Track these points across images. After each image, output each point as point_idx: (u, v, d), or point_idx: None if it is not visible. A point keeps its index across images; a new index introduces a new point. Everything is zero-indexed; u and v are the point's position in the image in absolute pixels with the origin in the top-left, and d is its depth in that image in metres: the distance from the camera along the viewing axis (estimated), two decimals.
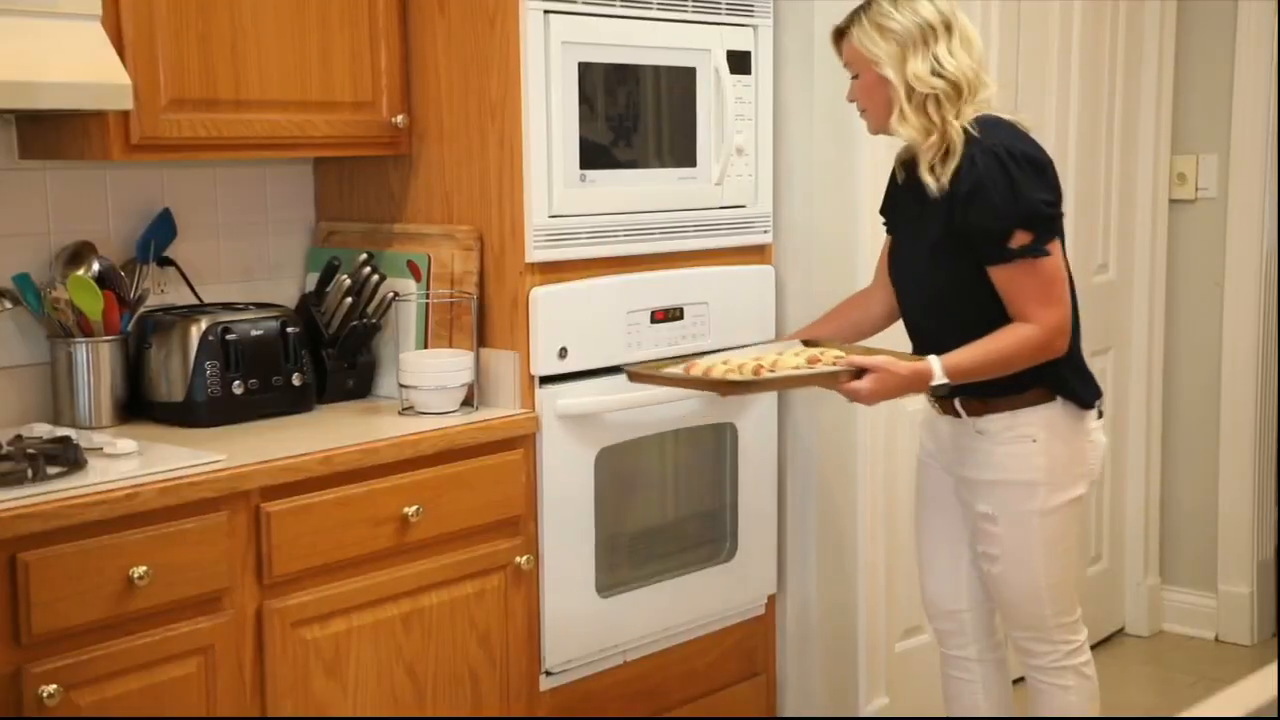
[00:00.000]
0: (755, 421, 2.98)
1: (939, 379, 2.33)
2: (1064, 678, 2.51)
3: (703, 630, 2.93)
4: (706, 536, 2.98)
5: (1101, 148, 3.75)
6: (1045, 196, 2.33)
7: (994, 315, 2.38)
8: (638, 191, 2.74)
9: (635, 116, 2.75)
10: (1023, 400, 2.41)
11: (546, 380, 2.61)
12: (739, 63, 2.85)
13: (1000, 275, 2.34)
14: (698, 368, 2.47)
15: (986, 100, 2.39)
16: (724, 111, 2.81)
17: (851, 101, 2.48)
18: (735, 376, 2.38)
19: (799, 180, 2.97)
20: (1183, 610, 4.06)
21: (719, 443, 2.96)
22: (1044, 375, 2.40)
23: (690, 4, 2.77)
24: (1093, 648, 3.85)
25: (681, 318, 2.81)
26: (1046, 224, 2.33)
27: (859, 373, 2.35)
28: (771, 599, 3.07)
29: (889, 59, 2.34)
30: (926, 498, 2.64)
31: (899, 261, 2.53)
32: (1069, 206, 3.61)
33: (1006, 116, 2.41)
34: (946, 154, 2.34)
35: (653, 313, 2.76)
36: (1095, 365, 3.72)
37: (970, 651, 2.63)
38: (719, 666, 2.97)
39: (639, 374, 2.53)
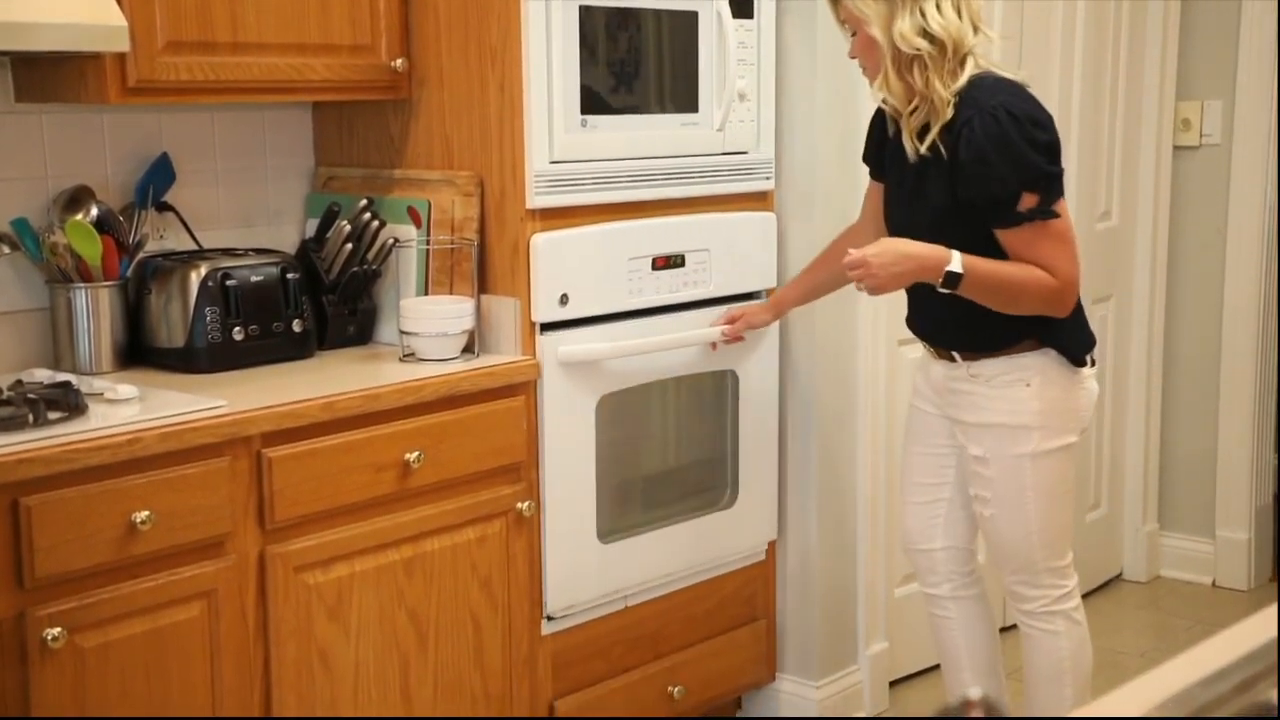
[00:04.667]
0: (756, 368, 2.98)
1: (955, 266, 2.28)
2: (1053, 622, 2.53)
3: (704, 575, 2.94)
4: (707, 483, 2.98)
5: (1106, 93, 3.72)
6: (1047, 156, 2.31)
7: None
8: (639, 137, 2.72)
9: (637, 61, 2.72)
10: (1016, 348, 2.41)
11: (547, 327, 2.61)
12: (741, 6, 2.82)
13: (1011, 238, 2.31)
14: None
15: (984, 56, 2.36)
16: (726, 56, 2.78)
17: (853, 59, 2.45)
18: None
19: (801, 126, 2.95)
20: (1180, 556, 4.08)
21: (720, 390, 2.96)
22: (1038, 327, 2.39)
23: None
24: (1091, 593, 3.91)
25: (683, 265, 2.80)
26: (1051, 184, 2.31)
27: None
28: (772, 545, 3.08)
29: (877, 18, 2.30)
30: (912, 438, 2.65)
31: (896, 220, 2.48)
32: (1071, 153, 3.60)
33: (1006, 74, 2.38)
34: (931, 120, 2.31)
35: (654, 259, 2.75)
36: (1096, 312, 3.75)
37: (943, 589, 2.65)
38: (719, 612, 2.99)
39: None
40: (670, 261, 2.78)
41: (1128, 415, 3.99)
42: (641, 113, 2.73)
